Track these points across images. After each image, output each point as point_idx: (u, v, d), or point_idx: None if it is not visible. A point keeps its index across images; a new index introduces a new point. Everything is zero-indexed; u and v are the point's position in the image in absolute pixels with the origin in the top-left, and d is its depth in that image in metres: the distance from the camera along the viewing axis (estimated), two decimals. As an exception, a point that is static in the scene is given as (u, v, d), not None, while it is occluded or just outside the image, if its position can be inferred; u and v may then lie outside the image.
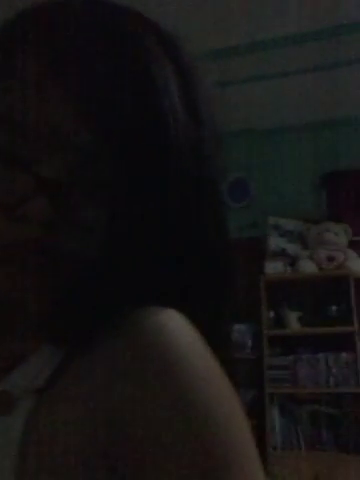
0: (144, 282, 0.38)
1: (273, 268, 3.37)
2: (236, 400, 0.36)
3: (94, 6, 0.41)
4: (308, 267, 3.32)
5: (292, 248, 3.48)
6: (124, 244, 0.38)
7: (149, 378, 0.33)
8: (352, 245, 3.40)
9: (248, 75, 3.14)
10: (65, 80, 0.37)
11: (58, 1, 0.41)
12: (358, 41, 2.82)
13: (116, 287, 0.38)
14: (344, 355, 3.11)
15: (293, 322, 3.24)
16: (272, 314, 3.29)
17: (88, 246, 0.38)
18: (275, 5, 2.57)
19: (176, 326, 0.36)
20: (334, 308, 3.20)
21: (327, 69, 3.11)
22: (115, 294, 0.37)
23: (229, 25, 2.71)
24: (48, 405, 0.36)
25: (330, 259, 3.31)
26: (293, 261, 3.39)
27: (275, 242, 3.50)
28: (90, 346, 0.37)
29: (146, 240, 0.39)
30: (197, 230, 0.41)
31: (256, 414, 3.16)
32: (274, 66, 3.06)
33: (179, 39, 0.44)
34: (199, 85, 0.43)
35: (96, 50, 0.37)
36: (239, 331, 3.28)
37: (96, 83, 0.37)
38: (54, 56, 0.37)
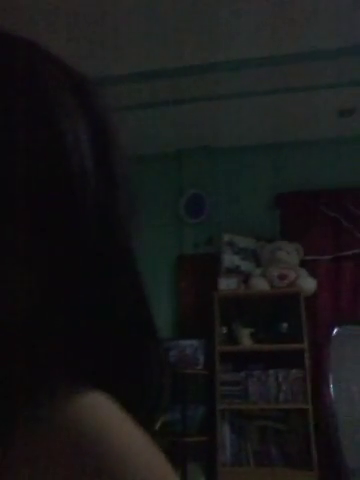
0: (59, 351, 0.37)
1: (227, 285, 3.42)
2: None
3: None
4: (260, 284, 3.38)
5: (245, 265, 3.54)
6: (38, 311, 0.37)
7: None
8: (303, 264, 3.50)
9: (206, 94, 3.21)
10: None
11: None
12: (315, 67, 2.93)
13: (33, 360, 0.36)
14: (294, 372, 3.17)
15: (245, 338, 3.29)
16: (225, 330, 3.32)
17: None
18: (234, 27, 2.64)
19: (110, 426, 0.35)
20: (285, 325, 3.27)
21: (283, 92, 3.21)
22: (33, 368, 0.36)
23: (188, 44, 2.77)
24: None
25: (282, 277, 3.38)
26: (246, 278, 3.45)
27: (229, 259, 3.55)
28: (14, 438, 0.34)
29: (56, 309, 0.37)
30: (108, 298, 0.40)
31: (207, 430, 3.18)
32: (232, 86, 3.14)
33: (91, 83, 0.42)
34: (114, 138, 0.41)
35: (6, 99, 0.35)
36: (191, 346, 3.29)
37: (5, 135, 0.34)
38: None
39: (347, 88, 3.14)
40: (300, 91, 3.19)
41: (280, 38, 2.72)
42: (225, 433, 3.18)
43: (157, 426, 0.43)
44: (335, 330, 3.43)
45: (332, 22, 2.59)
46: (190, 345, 3.29)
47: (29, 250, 0.36)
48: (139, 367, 0.42)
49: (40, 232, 0.36)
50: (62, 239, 0.37)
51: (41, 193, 0.35)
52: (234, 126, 3.58)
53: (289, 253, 3.48)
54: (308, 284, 3.37)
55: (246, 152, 3.84)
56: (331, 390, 3.29)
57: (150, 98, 3.16)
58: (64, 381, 0.36)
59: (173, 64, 2.93)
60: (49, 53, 0.40)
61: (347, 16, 2.54)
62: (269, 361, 3.22)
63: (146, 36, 2.67)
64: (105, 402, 0.36)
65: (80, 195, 0.37)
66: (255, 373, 3.21)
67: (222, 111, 3.41)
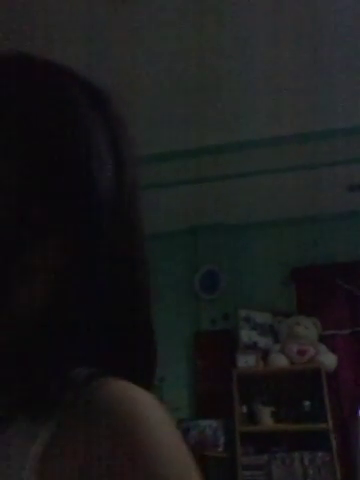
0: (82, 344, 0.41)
1: (245, 362, 3.34)
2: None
3: (28, 62, 0.44)
4: (280, 361, 3.30)
5: (263, 341, 3.47)
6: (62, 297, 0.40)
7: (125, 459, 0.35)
8: (322, 339, 3.43)
9: (221, 173, 3.31)
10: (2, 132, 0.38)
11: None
12: (328, 145, 3.03)
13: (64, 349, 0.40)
14: (320, 454, 3.01)
15: (266, 418, 3.16)
16: (245, 409, 3.20)
17: (27, 299, 0.39)
18: (250, 108, 2.78)
19: (145, 406, 0.38)
20: (307, 403, 3.15)
21: (295, 170, 3.31)
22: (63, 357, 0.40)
23: (204, 125, 2.89)
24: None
25: (301, 353, 3.31)
26: (265, 354, 3.38)
27: (246, 335, 3.49)
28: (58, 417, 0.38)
29: (79, 298, 0.41)
30: (118, 296, 0.44)
31: None
32: (246, 165, 3.24)
33: (111, 95, 0.47)
34: (124, 135, 0.46)
35: (23, 95, 0.40)
36: (211, 427, 3.16)
37: (22, 125, 0.38)
38: None
39: (356, 164, 3.23)
40: (311, 168, 3.28)
41: (289, 118, 2.85)
42: None
43: None
44: (360, 408, 3.29)
45: (346, 102, 2.72)
46: (209, 425, 3.16)
47: (46, 250, 0.39)
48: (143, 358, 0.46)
49: (56, 232, 0.39)
50: (78, 239, 0.40)
51: (59, 197, 0.38)
52: (247, 203, 3.66)
53: (307, 328, 3.43)
54: (328, 359, 3.29)
55: (259, 228, 3.89)
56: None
57: (167, 178, 3.25)
58: (91, 370, 0.40)
59: (189, 145, 3.04)
60: (72, 70, 0.45)
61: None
62: (293, 442, 3.07)
63: (164, 118, 2.80)
64: (134, 387, 0.39)
65: (97, 195, 0.40)
66: (278, 455, 3.05)
67: (236, 189, 3.50)
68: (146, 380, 0.44)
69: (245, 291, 3.69)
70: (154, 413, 0.38)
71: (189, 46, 2.33)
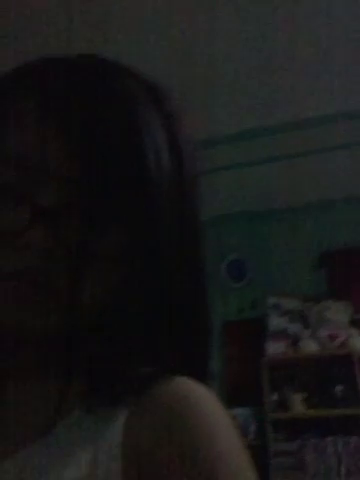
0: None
1: (275, 349, 3.30)
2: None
3: (86, 59, 0.46)
4: (310, 347, 3.25)
5: (293, 328, 3.42)
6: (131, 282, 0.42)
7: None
8: (354, 323, 3.34)
9: (244, 159, 3.27)
10: (60, 122, 0.41)
11: (56, 56, 0.46)
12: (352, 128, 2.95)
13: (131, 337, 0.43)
14: (354, 439, 2.94)
15: (297, 404, 3.11)
16: (275, 396, 3.17)
17: (94, 278, 0.41)
18: (262, 97, 2.73)
19: (208, 400, 0.41)
20: (339, 388, 3.08)
21: (321, 152, 3.23)
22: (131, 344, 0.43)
23: (225, 112, 2.86)
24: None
25: (332, 338, 3.24)
26: (295, 341, 3.32)
27: (275, 322, 3.45)
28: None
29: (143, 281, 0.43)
30: (177, 275, 0.45)
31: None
32: (269, 151, 3.20)
33: (165, 90, 0.48)
34: (180, 130, 0.47)
35: (87, 94, 0.42)
36: (242, 415, 3.14)
37: (86, 124, 0.41)
38: (51, 101, 0.42)
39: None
40: (340, 149, 3.19)
41: (330, 99, 2.77)
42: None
43: None
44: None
45: None
46: (240, 414, 3.14)
47: (112, 250, 0.42)
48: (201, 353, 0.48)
49: (117, 225, 0.42)
50: (138, 232, 0.42)
51: (121, 165, 0.41)
52: (273, 189, 3.61)
53: (338, 312, 3.35)
54: (360, 344, 3.20)
55: (285, 213, 3.83)
56: None
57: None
58: (155, 365, 0.43)
59: (211, 133, 3.03)
60: (128, 65, 0.48)
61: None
62: (325, 428, 3.01)
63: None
64: (196, 384, 0.42)
65: (153, 163, 0.42)
66: (310, 442, 2.99)
67: (260, 175, 3.46)
68: (202, 375, 0.46)
69: (273, 278, 3.64)
70: (216, 407, 0.41)
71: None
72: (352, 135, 3.04)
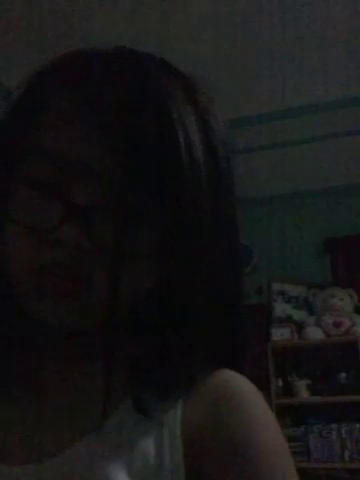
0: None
1: (280, 335, 3.33)
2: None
3: (123, 53, 0.45)
4: (315, 333, 3.28)
5: (298, 314, 3.45)
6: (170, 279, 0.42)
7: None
8: (358, 310, 3.37)
9: (247, 146, 3.24)
10: (96, 119, 0.40)
11: (93, 50, 0.45)
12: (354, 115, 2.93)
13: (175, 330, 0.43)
14: (358, 426, 3.00)
15: (302, 390, 3.15)
16: (280, 382, 3.21)
17: (133, 277, 0.41)
18: (261, 83, 2.70)
19: (250, 392, 0.43)
20: (343, 375, 3.12)
21: (326, 139, 3.21)
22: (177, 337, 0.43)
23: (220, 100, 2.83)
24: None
25: (337, 325, 3.27)
26: (300, 327, 3.36)
27: (281, 308, 3.47)
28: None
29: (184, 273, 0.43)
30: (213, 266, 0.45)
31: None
32: (272, 137, 3.17)
33: (198, 83, 0.47)
34: (215, 124, 0.46)
35: (124, 92, 0.41)
36: (247, 401, 3.19)
37: (123, 121, 0.40)
38: (87, 97, 0.41)
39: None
40: (348, 136, 3.17)
41: (333, 84, 2.74)
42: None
43: None
44: None
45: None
46: (245, 399, 3.18)
47: (147, 248, 0.41)
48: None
49: (156, 231, 0.41)
50: (176, 235, 0.42)
51: (158, 161, 0.41)
52: (278, 175, 3.59)
53: (343, 299, 3.38)
54: (365, 331, 3.24)
55: (290, 200, 3.82)
56: None
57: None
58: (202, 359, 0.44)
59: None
60: (163, 58, 0.47)
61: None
62: (330, 414, 3.06)
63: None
64: (239, 375, 0.44)
65: (187, 160, 0.42)
66: (315, 427, 3.05)
67: (264, 161, 3.44)
68: (241, 363, 0.48)
69: (278, 264, 3.65)
70: (262, 402, 0.44)
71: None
72: (353, 122, 3.02)
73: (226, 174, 0.47)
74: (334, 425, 3.02)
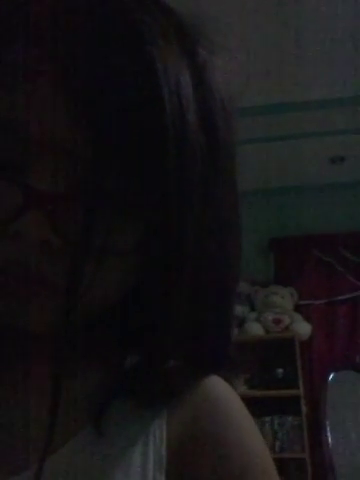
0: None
1: (221, 329, 3.38)
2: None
3: None
4: (255, 329, 3.36)
5: (239, 310, 3.52)
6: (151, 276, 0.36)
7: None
8: (298, 308, 3.48)
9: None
10: (61, 78, 0.31)
11: None
12: (306, 116, 3.02)
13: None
14: (290, 419, 3.10)
15: (240, 384, 3.22)
16: (219, 376, 3.26)
17: (106, 276, 0.34)
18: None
19: (233, 400, 0.44)
20: (280, 371, 3.21)
21: (276, 140, 3.29)
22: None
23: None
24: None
25: (276, 322, 3.36)
26: (240, 323, 3.42)
27: (223, 303, 3.53)
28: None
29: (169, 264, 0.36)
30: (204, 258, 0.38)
31: None
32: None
33: (199, 30, 0.38)
34: (213, 83, 0.37)
35: (98, 44, 0.32)
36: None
37: (96, 83, 0.31)
38: (51, 49, 0.32)
39: (336, 137, 3.22)
40: (292, 138, 3.27)
41: (272, 88, 2.82)
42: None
43: None
44: (331, 375, 3.37)
45: (326, 73, 2.69)
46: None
47: (124, 243, 0.34)
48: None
49: (137, 222, 0.34)
50: (161, 228, 0.34)
51: (138, 138, 0.32)
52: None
53: (283, 297, 3.48)
54: (303, 329, 3.34)
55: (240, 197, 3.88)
56: (329, 438, 3.21)
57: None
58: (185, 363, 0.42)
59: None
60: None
61: (343, 66, 2.63)
62: (264, 408, 3.15)
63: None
64: (224, 383, 0.44)
65: (181, 167, 0.34)
66: (250, 420, 3.12)
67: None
68: (223, 365, 0.46)
69: (223, 260, 3.70)
70: (245, 411, 0.43)
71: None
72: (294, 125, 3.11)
73: (226, 152, 0.38)
74: (267, 418, 3.11)
